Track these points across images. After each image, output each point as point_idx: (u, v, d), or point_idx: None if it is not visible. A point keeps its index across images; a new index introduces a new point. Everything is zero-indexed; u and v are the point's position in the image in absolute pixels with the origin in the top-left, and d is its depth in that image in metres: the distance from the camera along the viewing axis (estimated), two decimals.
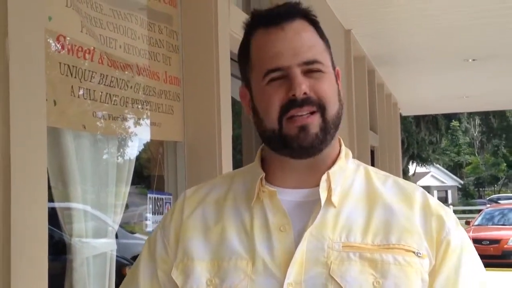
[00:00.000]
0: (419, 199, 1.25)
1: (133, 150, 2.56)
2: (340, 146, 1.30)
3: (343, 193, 1.23)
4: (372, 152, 8.23)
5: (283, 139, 1.20)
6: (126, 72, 2.40)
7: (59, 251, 2.19)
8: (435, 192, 42.25)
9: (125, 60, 2.39)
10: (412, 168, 35.54)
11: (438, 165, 40.76)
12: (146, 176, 3.08)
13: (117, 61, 2.34)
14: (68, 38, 2.05)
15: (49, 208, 2.26)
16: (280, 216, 1.20)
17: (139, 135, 2.56)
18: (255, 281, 1.15)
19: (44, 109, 1.64)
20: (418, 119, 29.77)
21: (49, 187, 2.15)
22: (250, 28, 1.25)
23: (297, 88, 1.17)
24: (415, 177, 37.96)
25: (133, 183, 2.53)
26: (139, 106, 2.50)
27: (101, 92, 2.23)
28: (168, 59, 2.75)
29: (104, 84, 2.25)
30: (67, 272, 2.19)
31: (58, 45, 2.01)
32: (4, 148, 1.48)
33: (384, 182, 1.28)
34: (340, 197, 1.22)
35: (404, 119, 26.88)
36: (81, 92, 2.11)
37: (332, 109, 1.20)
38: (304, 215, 1.20)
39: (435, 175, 42.45)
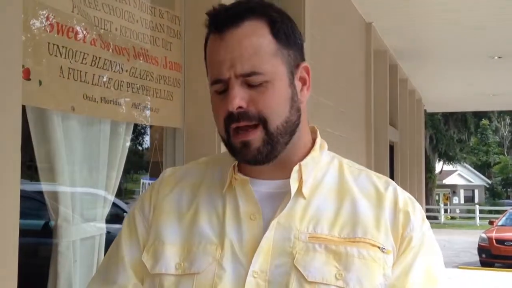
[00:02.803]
0: (389, 195, 1.24)
1: (127, 135, 2.52)
2: (316, 137, 1.28)
3: (314, 185, 1.22)
4: (392, 147, 8.13)
5: (231, 148, 1.19)
6: (121, 56, 2.37)
7: (46, 234, 2.18)
8: (462, 191, 41.79)
9: (121, 43, 2.36)
10: (439, 166, 35.19)
11: (465, 164, 40.26)
12: (143, 162, 3.05)
13: (112, 43, 2.31)
14: (58, 18, 2.02)
15: (35, 191, 2.25)
16: (251, 205, 1.19)
17: (134, 120, 2.52)
18: (223, 266, 1.15)
19: (19, 87, 1.61)
20: (446, 116, 29.44)
21: (36, 169, 2.14)
22: (207, 29, 1.20)
23: (229, 103, 1.13)
24: (442, 175, 37.59)
25: (127, 169, 2.50)
26: (135, 91, 2.46)
27: (93, 74, 2.20)
28: (169, 44, 2.72)
29: (97, 66, 2.22)
30: (52, 255, 2.17)
31: (47, 25, 1.98)
32: None
33: (357, 176, 1.27)
34: (311, 189, 1.21)
35: (432, 116, 26.62)
36: (71, 73, 2.08)
37: (275, 120, 1.15)
38: (274, 205, 1.19)
39: (462, 174, 41.95)
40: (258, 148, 1.15)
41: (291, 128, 1.18)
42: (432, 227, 1.27)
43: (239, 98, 1.13)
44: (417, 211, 1.24)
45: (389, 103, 7.36)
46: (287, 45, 1.18)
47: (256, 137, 1.15)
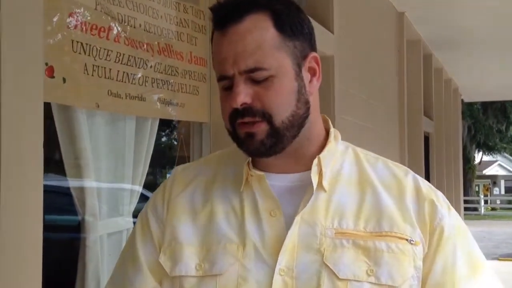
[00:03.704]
0: (410, 183, 1.22)
1: (153, 130, 2.54)
2: (328, 126, 1.26)
3: (332, 177, 1.21)
4: (427, 138, 8.02)
5: (236, 140, 1.18)
6: (146, 52, 2.38)
7: (72, 229, 2.21)
8: (502, 182, 41.04)
9: (145, 39, 2.38)
10: (479, 156, 34.64)
11: (506, 154, 39.53)
12: (169, 157, 3.07)
13: (136, 39, 2.33)
14: (81, 15, 2.05)
15: (62, 186, 2.28)
16: (270, 201, 1.18)
17: (160, 115, 2.54)
18: (245, 266, 1.14)
19: (41, 84, 1.63)
20: (485, 106, 28.91)
21: (63, 165, 2.17)
22: (212, 24, 1.20)
23: (233, 101, 1.12)
24: (482, 166, 36.98)
25: (154, 164, 2.52)
26: (160, 86, 2.48)
27: (118, 71, 2.23)
28: (194, 39, 2.72)
29: (121, 63, 2.24)
30: (80, 250, 2.21)
31: (70, 22, 2.00)
32: None
33: (374, 164, 1.25)
34: (330, 181, 1.20)
35: (470, 106, 26.18)
36: (95, 70, 2.11)
37: (280, 114, 1.14)
38: (294, 200, 1.18)
39: (503, 164, 41.22)
40: (261, 140, 1.14)
41: (299, 121, 1.17)
42: (472, 218, 1.28)
43: (243, 95, 1.12)
44: (441, 199, 1.22)
45: (423, 93, 7.26)
46: (292, 36, 1.16)
47: (260, 130, 1.14)
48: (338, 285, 1.11)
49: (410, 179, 1.23)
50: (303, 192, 1.18)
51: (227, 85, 1.15)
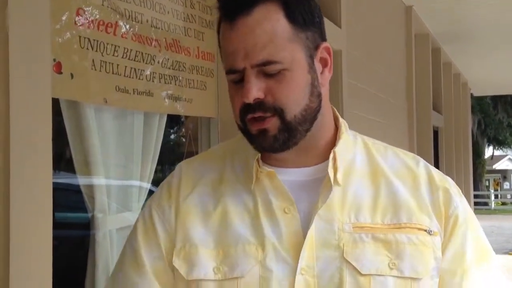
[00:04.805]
0: (423, 172, 1.20)
1: (161, 125, 2.55)
2: (335, 116, 1.23)
3: (345, 169, 1.18)
4: (436, 133, 8.00)
5: (248, 136, 1.15)
6: (153, 47, 2.39)
7: (82, 226, 2.22)
8: None
9: (152, 34, 2.38)
10: (489, 151, 34.49)
11: None
12: (178, 152, 3.08)
13: (143, 35, 2.33)
14: (88, 12, 2.05)
15: (71, 183, 2.29)
16: (283, 198, 1.14)
17: (168, 111, 2.54)
18: (267, 267, 1.10)
19: (49, 80, 1.64)
20: (495, 100, 28.76)
21: (72, 162, 2.18)
22: (218, 12, 1.15)
23: (244, 96, 1.08)
24: (492, 161, 36.79)
25: (162, 160, 2.53)
26: (168, 81, 2.48)
27: (125, 67, 2.23)
28: (201, 35, 2.72)
29: (129, 59, 2.25)
30: (90, 245, 2.22)
31: (77, 18, 2.01)
32: (4, 119, 1.48)
33: (384, 154, 1.23)
34: (343, 174, 1.17)
35: (480, 100, 26.04)
36: (102, 66, 2.11)
37: (293, 109, 1.10)
38: (307, 195, 1.15)
39: None
40: (274, 136, 1.11)
41: (311, 115, 1.14)
42: (482, 213, 1.28)
43: (255, 89, 1.08)
44: (453, 186, 1.21)
45: (432, 87, 7.23)
46: (304, 27, 1.12)
47: (272, 125, 1.10)
48: (361, 281, 1.08)
49: (422, 168, 1.21)
50: (317, 187, 1.15)
51: (237, 79, 1.11)
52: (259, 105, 1.09)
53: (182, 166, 1.26)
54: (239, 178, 1.19)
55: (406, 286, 1.10)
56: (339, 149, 1.17)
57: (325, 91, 1.17)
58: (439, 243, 1.15)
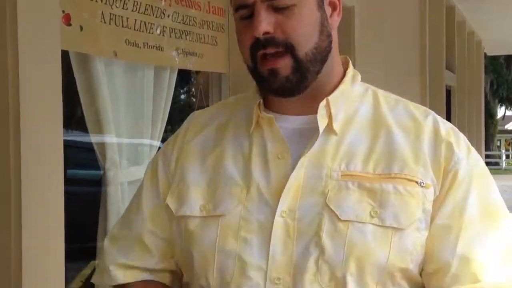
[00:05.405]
0: (428, 124, 1.17)
1: (171, 80, 2.53)
2: (347, 68, 1.22)
3: (346, 119, 1.16)
4: (448, 92, 7.93)
5: (257, 77, 1.13)
6: (163, 1, 2.36)
7: (94, 183, 2.23)
8: None
9: None
10: (501, 111, 34.28)
11: None
12: (189, 107, 3.07)
13: None
14: None
15: (82, 139, 2.30)
16: (278, 144, 1.15)
17: (178, 65, 2.53)
18: (248, 208, 1.11)
19: (58, 32, 1.62)
20: (509, 60, 28.43)
21: (83, 119, 2.18)
22: None
23: (255, 29, 1.07)
24: (505, 121, 36.59)
25: (173, 115, 2.52)
26: (178, 36, 2.46)
27: (135, 20, 2.21)
28: None
29: (138, 12, 2.23)
30: (102, 198, 2.23)
31: None
32: (13, 71, 1.48)
33: (393, 106, 1.20)
34: (343, 124, 1.16)
35: (493, 60, 25.75)
36: (112, 18, 2.09)
37: (304, 46, 1.09)
38: (302, 142, 1.15)
39: None
40: (286, 77, 1.09)
41: (322, 55, 1.12)
42: (493, 172, 1.18)
43: (265, 22, 1.07)
44: (461, 142, 1.17)
45: (445, 46, 7.14)
46: None
47: (284, 65, 1.09)
48: (340, 226, 1.07)
49: (430, 120, 1.18)
50: (311, 134, 1.14)
51: (246, 15, 1.09)
52: (270, 40, 1.08)
53: (195, 113, 1.30)
54: (242, 122, 1.21)
55: (387, 235, 1.08)
56: (334, 97, 1.16)
57: (334, 34, 1.17)
58: (431, 196, 1.11)
